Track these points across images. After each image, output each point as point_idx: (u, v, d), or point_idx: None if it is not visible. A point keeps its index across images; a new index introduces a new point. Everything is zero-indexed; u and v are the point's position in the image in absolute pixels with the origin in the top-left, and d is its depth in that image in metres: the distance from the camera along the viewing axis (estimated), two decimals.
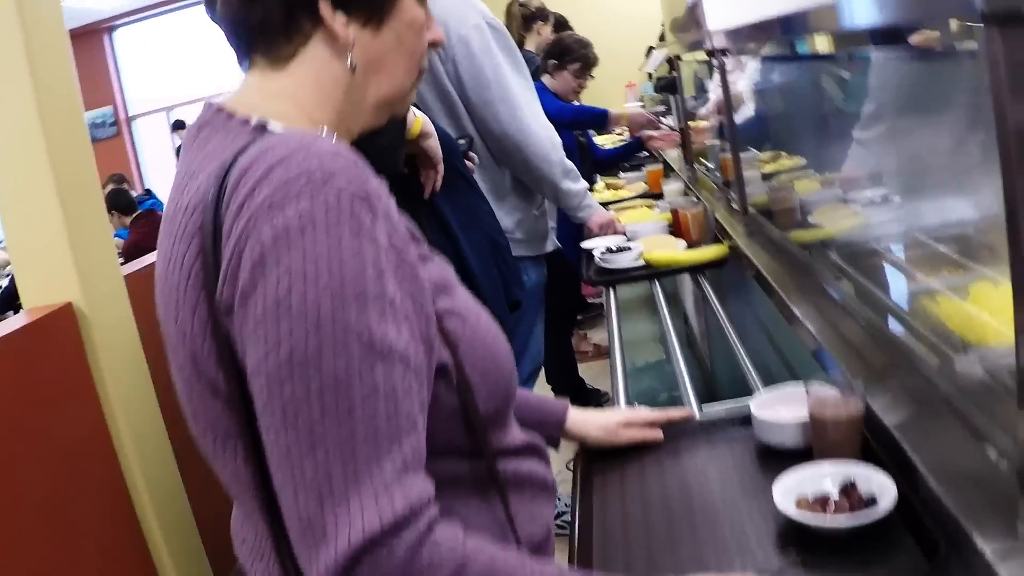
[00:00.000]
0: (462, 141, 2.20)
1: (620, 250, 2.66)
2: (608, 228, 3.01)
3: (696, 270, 2.57)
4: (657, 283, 2.62)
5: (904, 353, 1.24)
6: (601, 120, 4.14)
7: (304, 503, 0.75)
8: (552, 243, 2.98)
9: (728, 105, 2.66)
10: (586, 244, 2.93)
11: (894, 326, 1.36)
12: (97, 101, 10.87)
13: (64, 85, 2.41)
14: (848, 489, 1.07)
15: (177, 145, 10.02)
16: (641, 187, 4.28)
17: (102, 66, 11.29)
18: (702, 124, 4.10)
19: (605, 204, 3.40)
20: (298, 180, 0.77)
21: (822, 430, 1.18)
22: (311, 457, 0.74)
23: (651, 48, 6.13)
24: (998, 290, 1.01)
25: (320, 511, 0.74)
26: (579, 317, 5.18)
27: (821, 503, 1.07)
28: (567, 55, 4.03)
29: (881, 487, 1.05)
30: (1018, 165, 0.77)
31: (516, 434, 1.04)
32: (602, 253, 2.69)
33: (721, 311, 2.35)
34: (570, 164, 2.78)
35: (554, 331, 3.56)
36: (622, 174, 4.81)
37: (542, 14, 4.47)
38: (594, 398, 4.20)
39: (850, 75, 1.92)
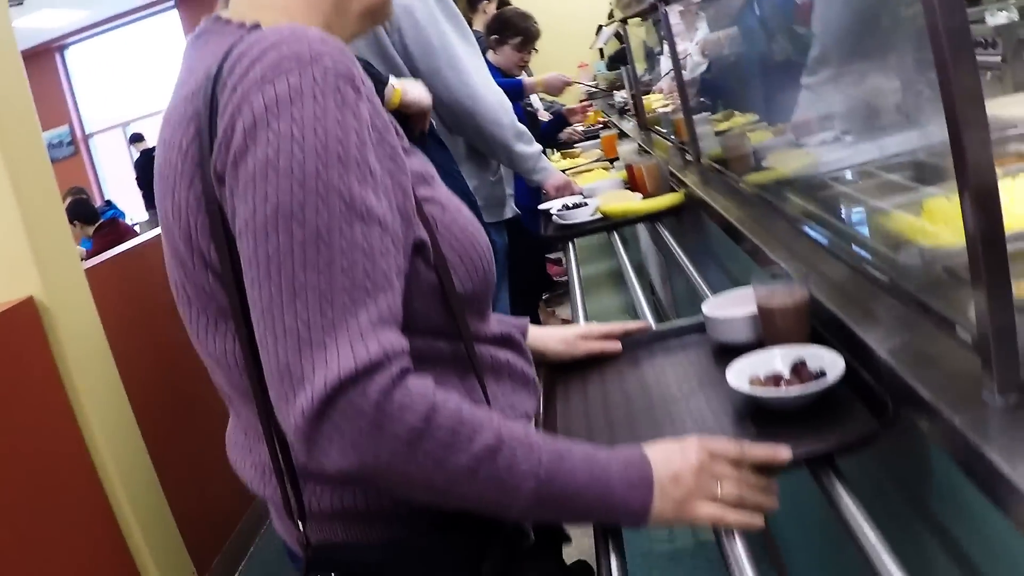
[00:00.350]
0: None
1: (577, 207, 2.68)
2: (565, 190, 3.03)
3: (653, 219, 2.58)
4: (624, 255, 2.60)
5: (867, 264, 1.26)
6: (516, 90, 4.10)
7: (283, 352, 0.79)
8: (511, 209, 3.00)
9: (675, 58, 2.69)
10: (543, 205, 2.94)
11: (855, 247, 1.38)
12: (53, 121, 10.73)
13: (19, 103, 2.45)
14: (798, 367, 1.10)
15: (135, 158, 9.95)
16: (597, 153, 4.31)
17: (56, 85, 11.16)
18: (655, 97, 4.15)
19: (562, 171, 3.42)
20: (289, 59, 0.83)
21: (770, 319, 1.20)
22: (291, 306, 0.79)
23: (600, 27, 6.18)
24: (950, 203, 1.05)
25: (298, 357, 0.78)
26: (545, 296, 5.21)
27: (774, 381, 1.09)
28: (508, 29, 4.03)
29: (831, 362, 1.08)
30: (952, 62, 0.78)
31: (494, 325, 1.08)
32: (559, 210, 2.71)
33: (685, 258, 2.37)
34: (522, 127, 2.79)
35: (519, 301, 3.58)
36: (577, 145, 4.85)
37: None
38: None
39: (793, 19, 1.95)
